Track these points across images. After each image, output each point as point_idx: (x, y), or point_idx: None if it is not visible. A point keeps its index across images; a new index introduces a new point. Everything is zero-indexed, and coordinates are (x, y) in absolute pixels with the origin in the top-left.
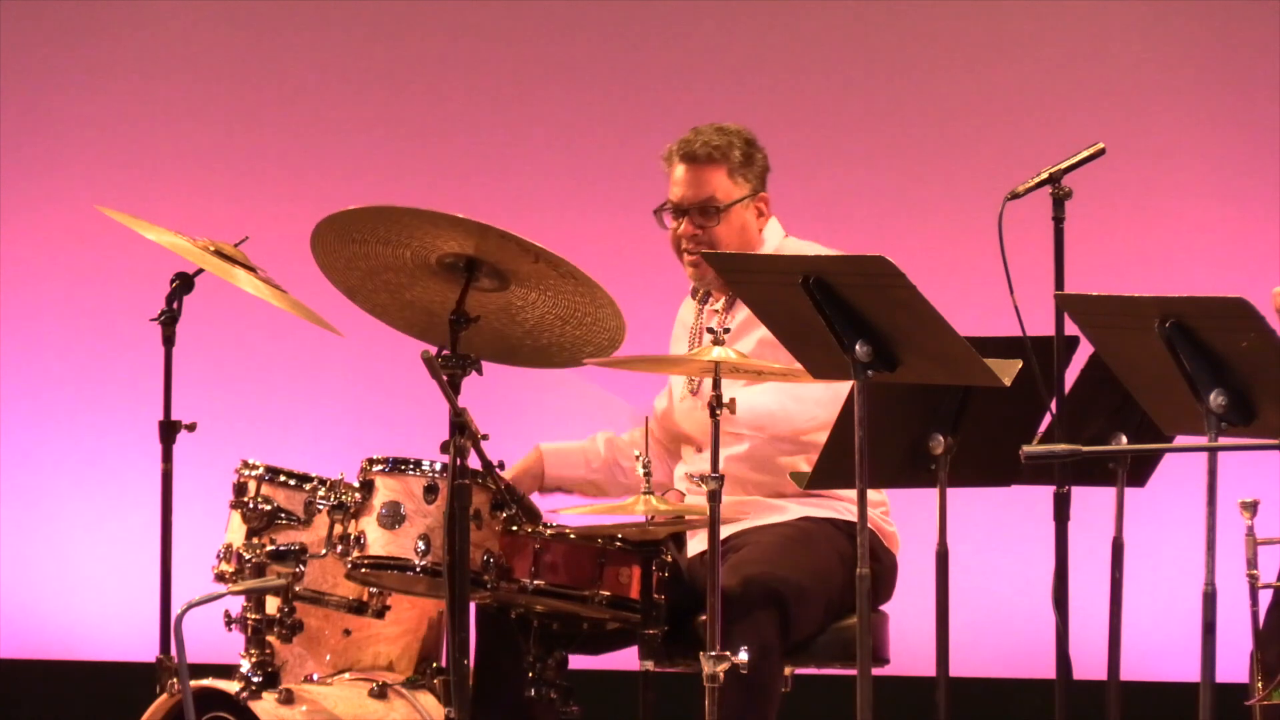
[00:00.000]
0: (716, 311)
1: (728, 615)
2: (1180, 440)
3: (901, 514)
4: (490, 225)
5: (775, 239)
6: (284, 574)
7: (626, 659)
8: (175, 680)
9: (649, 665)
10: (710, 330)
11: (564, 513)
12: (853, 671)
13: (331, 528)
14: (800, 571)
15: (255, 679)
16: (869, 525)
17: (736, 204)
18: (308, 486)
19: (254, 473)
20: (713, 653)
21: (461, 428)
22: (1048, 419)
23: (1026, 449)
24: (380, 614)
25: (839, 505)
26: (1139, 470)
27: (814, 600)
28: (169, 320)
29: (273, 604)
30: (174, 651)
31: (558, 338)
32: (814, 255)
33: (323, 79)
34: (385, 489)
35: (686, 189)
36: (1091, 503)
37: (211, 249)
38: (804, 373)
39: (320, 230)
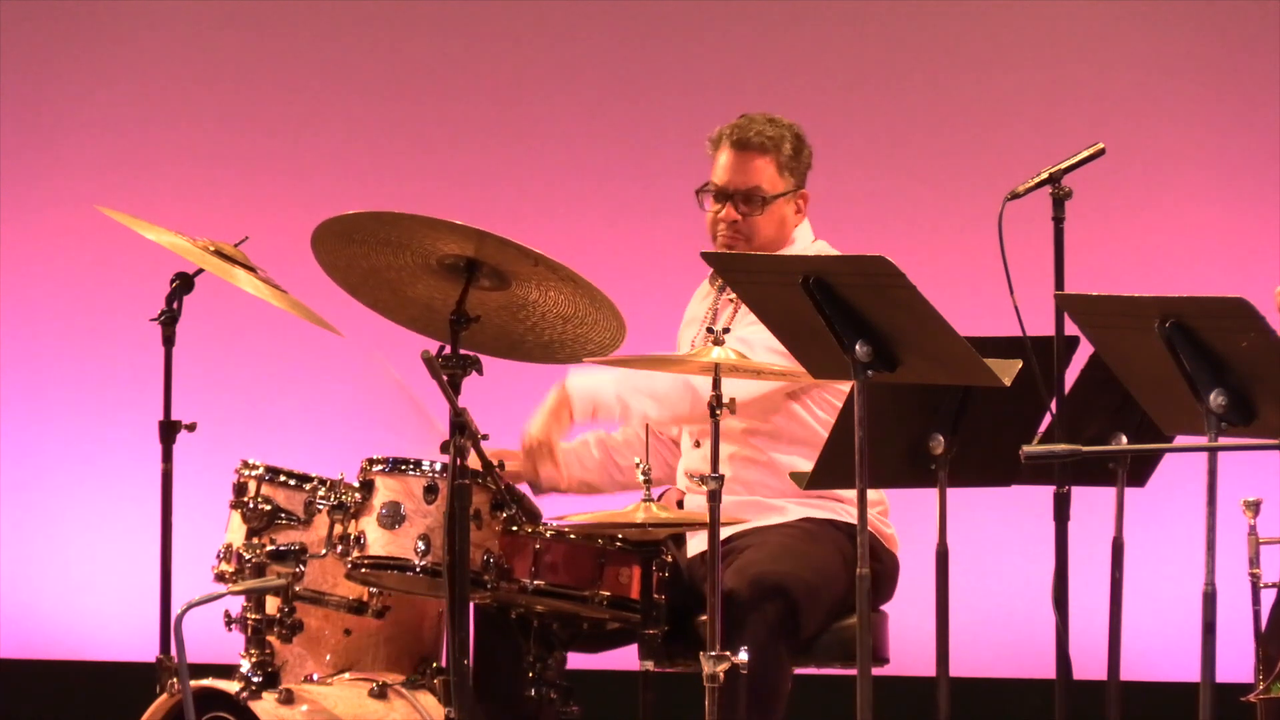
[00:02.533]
0: (733, 300)
1: (737, 616)
2: (1180, 440)
3: (901, 514)
4: (489, 232)
5: (804, 240)
6: (284, 574)
7: (626, 659)
8: (175, 680)
9: (649, 665)
10: (710, 330)
11: (570, 519)
12: (853, 671)
13: (331, 528)
14: (809, 570)
15: (255, 679)
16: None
17: (780, 197)
18: (308, 486)
19: (254, 473)
20: (713, 653)
21: (461, 428)
22: (1048, 419)
23: (1026, 449)
24: (380, 614)
25: (837, 506)
26: (1139, 470)
27: (822, 599)
28: (169, 320)
29: (273, 604)
30: (174, 651)
31: (559, 334)
32: (814, 255)
33: (323, 79)
34: (385, 489)
35: (733, 174)
36: (1091, 503)
37: (211, 249)
38: (804, 373)
39: (320, 232)
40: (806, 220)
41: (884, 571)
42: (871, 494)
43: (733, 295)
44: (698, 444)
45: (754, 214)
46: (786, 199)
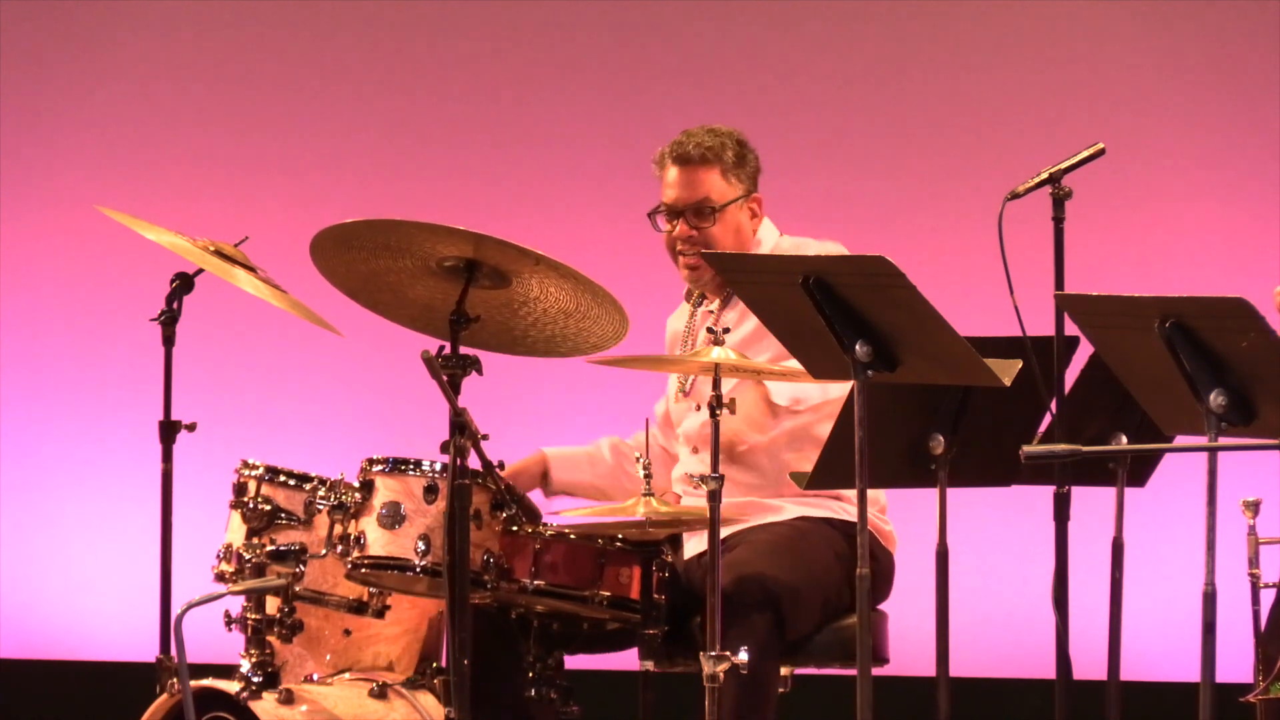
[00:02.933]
0: (711, 312)
1: (723, 616)
2: (1180, 440)
3: (901, 514)
4: (488, 235)
5: (770, 239)
6: (284, 574)
7: (626, 659)
8: (175, 680)
9: (649, 665)
10: (710, 330)
11: (564, 514)
12: (853, 671)
13: (331, 528)
14: (795, 572)
15: (255, 679)
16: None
17: (731, 204)
18: (308, 486)
19: (254, 473)
20: (713, 653)
21: (461, 428)
22: (1048, 419)
23: (1026, 449)
24: (380, 614)
25: (835, 505)
26: (1139, 470)
27: (809, 600)
28: (169, 320)
29: (273, 604)
30: (174, 651)
31: (561, 329)
32: (814, 255)
33: (323, 80)
34: (385, 489)
35: (681, 190)
36: (1091, 503)
37: (211, 249)
38: (804, 373)
39: (318, 240)
40: (767, 220)
41: (879, 570)
42: (871, 491)
43: (711, 308)
44: (695, 450)
45: (707, 226)
46: (738, 205)
